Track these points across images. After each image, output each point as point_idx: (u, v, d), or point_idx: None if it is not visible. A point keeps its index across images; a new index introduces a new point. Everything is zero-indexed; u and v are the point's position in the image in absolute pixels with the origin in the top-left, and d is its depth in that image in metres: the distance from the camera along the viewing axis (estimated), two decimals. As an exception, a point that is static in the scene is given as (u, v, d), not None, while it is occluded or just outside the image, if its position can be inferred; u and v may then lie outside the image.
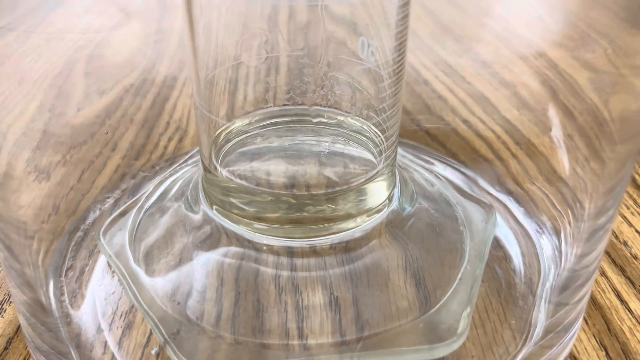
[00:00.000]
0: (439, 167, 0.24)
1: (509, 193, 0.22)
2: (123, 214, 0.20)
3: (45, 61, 0.29)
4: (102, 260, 0.19)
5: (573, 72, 0.23)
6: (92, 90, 0.29)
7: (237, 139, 0.20)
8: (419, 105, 0.28)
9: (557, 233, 0.18)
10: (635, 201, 0.24)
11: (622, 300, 0.19)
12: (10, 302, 0.19)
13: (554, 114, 0.22)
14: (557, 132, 0.21)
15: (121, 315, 0.18)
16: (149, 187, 0.22)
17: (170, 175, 0.22)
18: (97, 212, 0.22)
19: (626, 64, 0.18)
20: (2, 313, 0.19)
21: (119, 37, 0.32)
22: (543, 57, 0.26)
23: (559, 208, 0.19)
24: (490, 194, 0.22)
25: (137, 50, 0.32)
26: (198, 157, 0.24)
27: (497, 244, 0.20)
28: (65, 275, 0.19)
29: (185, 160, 0.23)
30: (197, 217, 0.19)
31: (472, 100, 0.28)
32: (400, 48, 0.17)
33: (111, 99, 0.28)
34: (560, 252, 0.18)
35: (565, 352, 0.16)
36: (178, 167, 0.22)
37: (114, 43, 0.32)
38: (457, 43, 0.32)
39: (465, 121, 0.27)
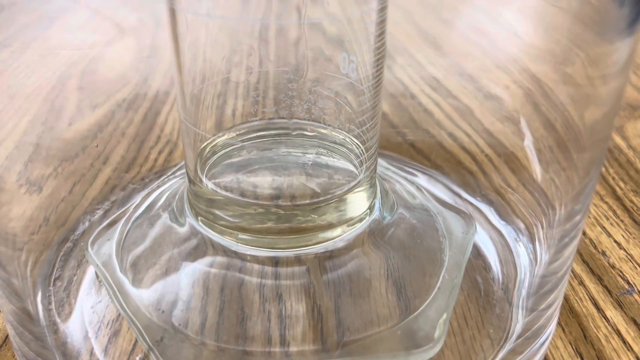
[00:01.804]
0: (422, 179, 0.24)
1: (490, 203, 0.22)
2: (111, 224, 0.20)
3: (39, 76, 0.29)
4: (90, 270, 0.20)
5: (553, 85, 0.24)
6: (84, 104, 0.29)
7: (222, 152, 0.20)
8: (405, 118, 0.29)
9: (532, 240, 0.19)
10: (614, 212, 0.24)
11: (599, 309, 0.20)
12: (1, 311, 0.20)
13: (533, 126, 0.22)
14: (529, 142, 0.21)
15: (108, 323, 0.18)
16: (138, 198, 0.22)
17: (158, 187, 0.22)
18: (87, 223, 0.22)
19: (596, 74, 0.19)
20: (-9, 322, 0.19)
21: (112, 52, 0.33)
22: (527, 71, 0.27)
23: (535, 215, 0.19)
24: (471, 203, 0.22)
25: (130, 66, 0.33)
26: (184, 169, 0.24)
27: (477, 252, 0.20)
28: (53, 284, 0.19)
29: (174, 172, 0.24)
30: (183, 229, 0.20)
31: (457, 114, 0.28)
32: (379, 63, 0.18)
33: (103, 113, 0.29)
34: (535, 258, 0.18)
35: (537, 358, 0.17)
36: (166, 179, 0.23)
37: (108, 58, 0.33)
38: (443, 57, 0.33)
39: (450, 134, 0.27)
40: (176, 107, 0.31)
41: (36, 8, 0.30)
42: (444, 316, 0.17)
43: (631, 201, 0.25)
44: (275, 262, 0.19)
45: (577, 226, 0.15)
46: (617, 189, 0.26)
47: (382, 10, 0.17)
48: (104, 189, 0.24)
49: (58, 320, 0.18)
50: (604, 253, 0.22)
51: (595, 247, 0.22)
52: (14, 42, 0.28)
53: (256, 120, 0.21)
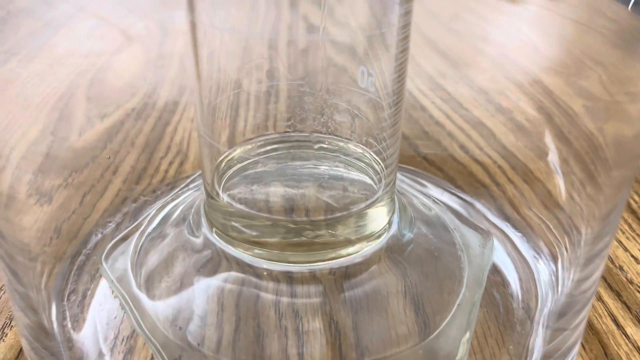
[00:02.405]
0: (436, 192, 0.24)
1: (506, 219, 0.22)
2: (124, 238, 0.20)
3: (47, 85, 0.29)
4: (103, 285, 0.20)
5: (568, 99, 0.24)
6: (93, 114, 0.29)
7: (238, 165, 0.20)
8: (416, 130, 0.29)
9: (555, 259, 0.19)
10: (630, 226, 0.24)
11: (619, 325, 0.20)
12: (12, 326, 0.19)
13: (549, 140, 0.22)
14: (553, 158, 0.21)
15: (123, 339, 0.18)
16: (151, 211, 0.22)
17: (172, 200, 0.22)
18: (99, 236, 0.22)
19: (621, 91, 0.18)
20: (3, 337, 0.19)
21: (120, 61, 0.33)
22: (538, 83, 0.27)
23: (556, 234, 0.19)
24: (487, 219, 0.22)
25: (138, 75, 0.33)
26: (199, 181, 0.24)
27: (494, 269, 0.20)
28: (67, 299, 0.19)
29: (187, 185, 0.23)
30: (198, 242, 0.20)
31: (469, 126, 0.28)
32: (400, 78, 0.18)
33: (112, 123, 0.29)
34: (557, 277, 0.18)
35: (563, 378, 0.17)
36: (179, 192, 0.23)
37: (115, 67, 0.33)
38: (454, 70, 0.32)
39: (462, 147, 0.27)
40: (186, 117, 0.30)
41: (42, 15, 0.30)
42: (467, 335, 0.17)
43: (646, 215, 0.25)
44: (291, 277, 0.19)
45: (607, 246, 0.15)
46: (632, 202, 0.25)
47: (405, 26, 0.17)
48: (115, 201, 0.24)
49: (73, 335, 0.18)
50: (621, 268, 0.22)
51: (612, 262, 0.22)
52: (21, 50, 0.28)
53: (272, 133, 0.20)
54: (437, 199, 0.23)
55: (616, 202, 0.15)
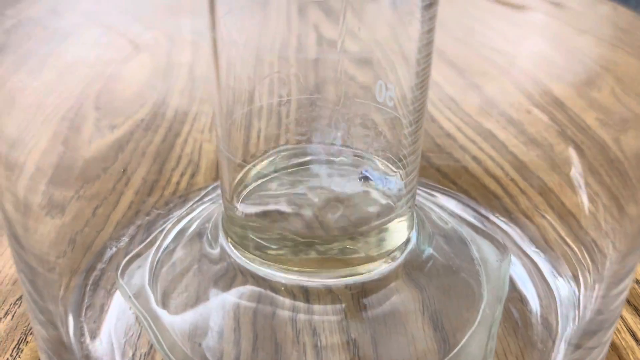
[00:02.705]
0: (451, 204, 0.24)
1: (522, 229, 0.22)
2: (140, 253, 0.20)
3: (58, 95, 0.29)
4: (119, 300, 0.19)
5: (580, 111, 0.24)
6: (103, 124, 0.29)
7: (256, 178, 0.20)
8: (428, 142, 0.29)
9: (575, 276, 0.19)
10: (644, 239, 0.24)
11: (638, 340, 0.20)
12: (27, 342, 0.19)
13: (569, 153, 0.22)
14: (576, 172, 0.21)
15: (140, 356, 0.18)
16: (166, 225, 0.22)
17: (187, 213, 0.22)
18: (113, 250, 0.22)
19: (637, 101, 0.18)
20: (19, 354, 0.19)
21: (128, 70, 0.33)
22: (548, 94, 0.27)
23: (576, 250, 0.19)
24: (501, 229, 0.22)
25: (147, 84, 0.33)
26: (213, 194, 0.24)
27: (512, 284, 0.20)
28: (85, 314, 0.19)
29: (201, 198, 0.23)
30: (215, 256, 0.20)
31: (480, 138, 0.28)
32: (421, 97, 0.17)
33: (122, 134, 0.29)
34: (579, 293, 0.18)
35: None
36: (194, 205, 0.23)
37: (124, 77, 0.32)
38: (464, 80, 0.32)
39: (474, 158, 0.27)
40: (196, 128, 0.30)
41: (50, 25, 0.30)
42: (489, 352, 0.17)
43: (660, 228, 0.25)
44: (306, 292, 0.19)
45: (635, 263, 0.15)
46: (645, 215, 0.25)
47: (428, 44, 0.17)
48: (128, 213, 0.24)
49: (91, 352, 0.18)
50: (638, 282, 0.22)
51: (628, 277, 0.22)
52: (31, 59, 0.28)
53: (290, 147, 0.20)
54: (453, 212, 0.23)
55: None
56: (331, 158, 0.20)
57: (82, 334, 0.18)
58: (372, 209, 0.19)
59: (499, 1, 0.29)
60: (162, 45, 0.35)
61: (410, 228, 0.19)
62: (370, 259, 0.18)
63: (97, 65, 0.32)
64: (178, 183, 0.26)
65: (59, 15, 0.31)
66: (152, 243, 0.20)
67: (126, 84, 0.32)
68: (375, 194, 0.19)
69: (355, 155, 0.20)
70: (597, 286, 0.17)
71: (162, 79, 0.34)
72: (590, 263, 0.18)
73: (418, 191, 0.24)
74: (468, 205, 0.24)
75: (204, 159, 0.28)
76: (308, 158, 0.20)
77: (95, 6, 0.32)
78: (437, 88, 0.33)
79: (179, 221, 0.21)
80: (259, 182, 0.20)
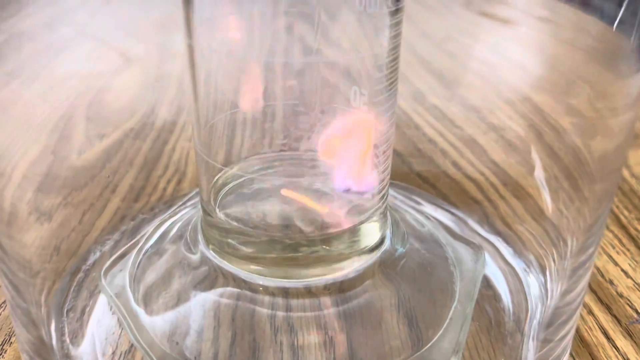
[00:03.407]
0: (430, 208, 0.24)
1: (498, 233, 0.22)
2: (123, 255, 0.21)
3: (48, 106, 0.29)
4: (102, 301, 0.20)
5: (557, 116, 0.24)
6: (92, 134, 0.30)
7: (234, 182, 0.20)
8: (410, 148, 0.29)
9: (543, 271, 0.19)
10: (620, 240, 0.24)
11: (609, 338, 0.20)
12: (11, 342, 0.20)
13: (538, 156, 0.23)
14: (539, 173, 0.21)
15: (120, 354, 0.18)
16: (148, 228, 0.22)
17: (170, 217, 0.22)
18: (97, 254, 0.22)
19: (605, 107, 0.19)
20: (2, 354, 0.19)
21: (119, 82, 0.33)
22: (528, 101, 0.27)
23: (545, 246, 0.20)
24: (479, 234, 0.22)
25: (137, 95, 0.33)
26: (196, 199, 0.24)
27: (486, 283, 0.20)
28: (66, 315, 0.19)
29: (184, 203, 0.24)
30: (195, 258, 0.20)
31: (461, 144, 0.29)
32: (390, 98, 0.18)
33: (111, 143, 0.29)
34: (546, 289, 0.18)
35: (553, 389, 0.17)
36: (177, 209, 0.23)
37: (114, 88, 0.33)
38: (447, 89, 0.33)
39: (454, 164, 0.28)
40: (184, 137, 0.31)
41: (43, 39, 0.31)
42: (457, 347, 0.17)
43: (636, 229, 0.25)
44: (286, 292, 0.19)
45: (590, 258, 0.16)
46: (622, 217, 0.26)
47: (395, 48, 0.17)
48: (114, 219, 0.24)
49: (72, 351, 0.18)
50: (611, 282, 0.22)
51: (602, 276, 0.23)
52: (23, 72, 0.29)
53: (268, 151, 0.21)
54: (430, 215, 0.23)
55: (599, 214, 0.16)
56: (306, 162, 0.20)
57: (63, 334, 0.18)
58: (346, 211, 0.19)
59: (487, 15, 0.29)
60: (153, 57, 0.36)
61: (384, 228, 0.20)
62: (344, 257, 0.19)
63: (89, 78, 0.32)
64: (164, 189, 0.27)
65: (53, 29, 0.31)
66: (134, 245, 0.21)
67: (117, 95, 0.33)
68: (349, 197, 0.20)
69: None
70: (560, 281, 0.17)
71: (152, 90, 0.34)
72: (557, 259, 0.18)
73: (397, 195, 0.25)
74: (446, 209, 0.24)
75: (190, 166, 0.28)
76: (285, 162, 0.21)
77: (89, 20, 0.33)
78: (421, 97, 0.33)
79: (161, 224, 0.22)
80: (236, 185, 0.20)
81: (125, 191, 0.26)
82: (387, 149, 0.19)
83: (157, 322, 0.18)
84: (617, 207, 0.27)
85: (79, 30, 0.32)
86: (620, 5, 0.17)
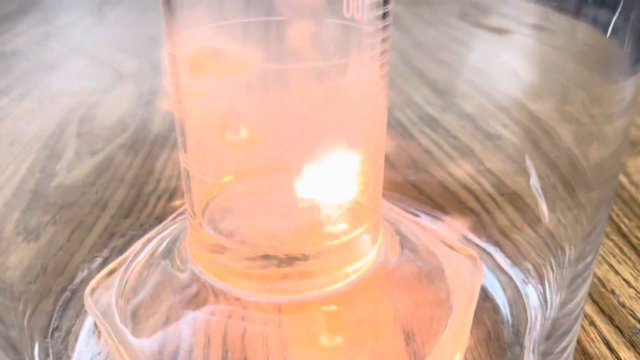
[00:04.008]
0: (425, 219, 0.24)
1: (495, 243, 0.22)
2: (110, 273, 0.20)
3: (38, 123, 0.29)
4: (89, 320, 0.19)
5: (553, 124, 0.24)
6: (83, 150, 0.29)
7: (222, 196, 0.20)
8: (405, 159, 0.29)
9: (542, 280, 0.19)
10: (621, 249, 0.24)
11: (612, 350, 0.19)
12: (-5, 365, 0.19)
13: (534, 164, 0.22)
14: (535, 181, 0.21)
15: (107, 376, 0.18)
16: (137, 245, 0.22)
17: (158, 233, 0.22)
18: (85, 272, 0.22)
19: (599, 113, 0.19)
20: (-14, 377, 0.19)
21: (111, 98, 0.33)
22: (523, 109, 0.27)
23: (543, 255, 0.19)
24: (475, 244, 0.22)
25: (129, 111, 0.33)
26: (185, 214, 0.24)
27: (484, 295, 0.20)
28: (51, 336, 0.19)
29: (174, 218, 0.23)
30: (184, 276, 0.19)
31: (457, 153, 0.28)
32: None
33: (102, 159, 0.29)
34: (545, 299, 0.18)
35: (554, 404, 0.16)
36: (166, 225, 0.23)
37: (106, 104, 0.33)
38: (441, 98, 0.33)
39: (450, 174, 0.27)
40: (175, 152, 0.31)
41: (35, 56, 0.30)
42: (455, 362, 0.16)
43: (637, 238, 0.25)
44: (278, 308, 0.19)
45: (589, 267, 0.15)
46: (622, 226, 0.25)
47: (384, 52, 0.17)
48: (103, 236, 0.24)
49: (56, 374, 0.17)
50: (613, 292, 0.22)
51: (604, 286, 0.22)
52: (14, 90, 0.28)
53: (256, 164, 0.20)
54: (426, 226, 0.23)
55: (596, 222, 0.15)
56: (295, 176, 0.20)
57: (48, 356, 0.18)
58: (337, 224, 0.19)
59: (483, 26, 0.29)
60: (146, 73, 0.35)
61: (377, 240, 0.19)
62: (339, 271, 0.18)
63: (81, 94, 0.32)
64: (155, 206, 0.26)
65: (45, 47, 0.31)
66: (122, 263, 0.20)
67: (109, 111, 0.33)
68: (336, 210, 0.19)
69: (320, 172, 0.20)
70: (558, 292, 0.17)
71: (144, 106, 0.34)
72: (555, 269, 0.18)
73: (393, 206, 0.24)
74: (441, 220, 0.24)
75: (181, 182, 0.28)
76: (275, 177, 0.20)
77: (82, 37, 0.33)
78: (417, 107, 0.33)
79: (149, 241, 0.21)
80: (224, 199, 0.20)
81: (115, 208, 0.26)
82: (377, 160, 0.18)
83: (145, 342, 0.18)
84: (617, 215, 0.26)
85: (71, 47, 0.32)
86: (613, 13, 0.17)
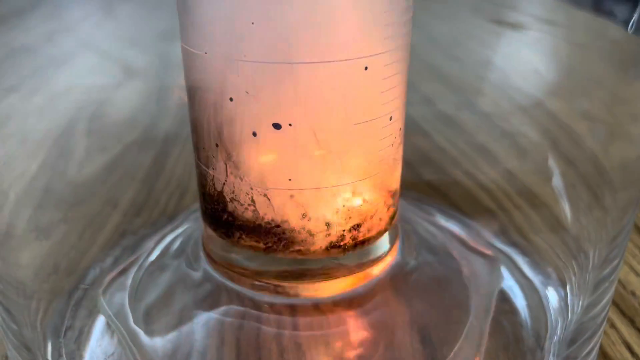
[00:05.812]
0: (442, 219, 0.23)
1: (513, 244, 0.21)
2: (123, 272, 0.20)
3: (49, 121, 0.29)
4: (101, 320, 0.19)
5: (571, 122, 0.24)
6: (94, 148, 0.29)
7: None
8: (420, 157, 0.28)
9: (563, 284, 0.18)
10: (641, 250, 0.23)
11: (633, 353, 0.19)
12: (7, 365, 0.19)
13: (554, 164, 0.22)
14: (557, 182, 0.21)
15: (120, 377, 0.17)
16: (150, 244, 0.21)
17: (171, 231, 0.21)
18: (97, 270, 0.21)
19: (624, 112, 0.18)
20: (-2, 377, 0.19)
21: (121, 95, 0.33)
22: (541, 106, 0.26)
23: (564, 259, 0.19)
24: (494, 245, 0.22)
25: (140, 108, 0.33)
26: (198, 213, 0.23)
27: (503, 297, 0.19)
28: (64, 336, 0.18)
29: (186, 217, 0.23)
30: (197, 275, 0.19)
31: (472, 152, 0.28)
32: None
33: (113, 157, 0.29)
34: (566, 303, 0.17)
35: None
36: (178, 224, 0.22)
37: (117, 101, 0.33)
38: (456, 95, 0.32)
39: (466, 173, 0.27)
40: (186, 150, 0.30)
41: (44, 52, 0.30)
42: (475, 366, 0.16)
43: (657, 238, 0.24)
44: (293, 309, 0.18)
45: (615, 270, 0.15)
46: (642, 225, 0.25)
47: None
48: (115, 235, 0.24)
49: (68, 375, 0.17)
50: (633, 293, 0.21)
51: (624, 288, 0.22)
52: (24, 86, 0.28)
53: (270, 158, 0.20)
54: (443, 226, 0.22)
55: (623, 224, 0.15)
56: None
57: (61, 355, 0.18)
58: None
59: (496, 21, 0.29)
60: (156, 68, 0.35)
61: (394, 241, 0.19)
62: (355, 272, 0.18)
63: (91, 91, 0.32)
64: (166, 204, 0.26)
65: (54, 42, 0.31)
66: (135, 262, 0.20)
67: (119, 108, 0.32)
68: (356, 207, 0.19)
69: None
70: (581, 295, 0.16)
71: (155, 102, 0.34)
72: (577, 272, 0.17)
73: (408, 205, 0.24)
74: (459, 220, 0.23)
75: (193, 180, 0.28)
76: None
77: (92, 33, 0.32)
78: (430, 104, 0.32)
79: (162, 239, 0.21)
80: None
81: (127, 206, 0.26)
82: (397, 158, 0.18)
83: (158, 343, 0.17)
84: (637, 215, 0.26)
85: (80, 42, 0.32)
86: (634, 9, 0.16)
